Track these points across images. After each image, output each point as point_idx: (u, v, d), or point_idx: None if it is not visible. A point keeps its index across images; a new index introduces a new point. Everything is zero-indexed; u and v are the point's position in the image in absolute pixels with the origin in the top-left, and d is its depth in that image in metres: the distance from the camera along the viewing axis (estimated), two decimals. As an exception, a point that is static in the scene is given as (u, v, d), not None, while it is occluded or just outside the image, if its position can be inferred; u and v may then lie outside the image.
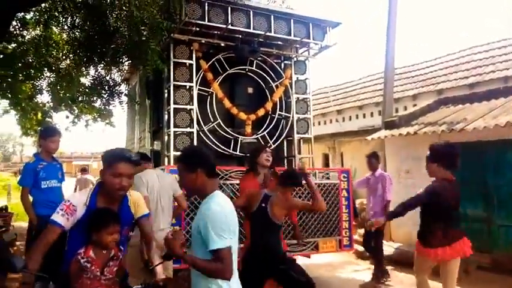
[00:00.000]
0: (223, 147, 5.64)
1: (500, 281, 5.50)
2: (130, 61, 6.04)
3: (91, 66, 6.84)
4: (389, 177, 5.71)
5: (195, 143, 5.38)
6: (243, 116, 5.81)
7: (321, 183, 5.36)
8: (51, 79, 7.84)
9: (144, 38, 4.97)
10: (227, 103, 5.75)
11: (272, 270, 3.34)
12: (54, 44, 7.40)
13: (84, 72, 7.59)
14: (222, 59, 5.84)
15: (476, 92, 9.10)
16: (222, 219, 2.02)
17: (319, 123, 14.44)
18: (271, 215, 3.35)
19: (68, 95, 7.88)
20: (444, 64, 12.07)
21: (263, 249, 3.34)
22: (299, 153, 6.30)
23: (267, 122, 6.03)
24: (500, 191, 6.55)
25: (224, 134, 5.73)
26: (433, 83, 11.23)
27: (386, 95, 9.55)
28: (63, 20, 6.25)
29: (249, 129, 5.84)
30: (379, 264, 5.49)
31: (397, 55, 9.66)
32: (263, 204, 3.39)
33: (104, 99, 7.15)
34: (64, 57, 7.52)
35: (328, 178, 5.77)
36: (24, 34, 7.32)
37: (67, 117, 9.32)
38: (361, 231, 7.51)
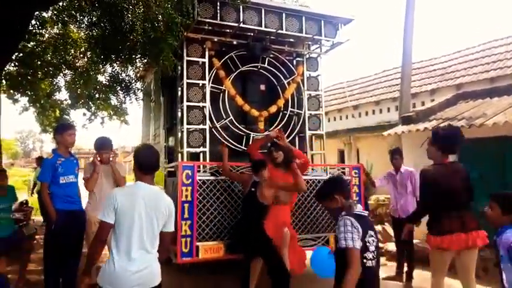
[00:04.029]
0: (235, 144, 5.69)
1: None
2: (145, 59, 6.13)
3: (108, 64, 6.97)
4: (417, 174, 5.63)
5: (208, 139, 5.45)
6: (255, 112, 5.84)
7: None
8: (69, 77, 8.03)
9: (160, 35, 5.03)
10: (239, 100, 5.79)
11: (256, 247, 4.19)
12: (72, 42, 7.58)
13: (101, 70, 7.73)
14: (234, 56, 5.87)
15: (497, 86, 8.88)
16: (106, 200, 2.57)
17: (334, 119, 14.35)
18: (260, 197, 4.18)
19: (85, 92, 8.06)
20: (464, 58, 11.78)
21: (250, 226, 4.20)
22: (311, 149, 6.29)
23: (279, 119, 6.04)
24: (519, 188, 6.41)
25: (236, 130, 5.78)
26: (452, 78, 10.99)
27: (403, 90, 9.43)
28: (81, 18, 6.40)
29: (261, 125, 5.88)
30: (411, 262, 5.42)
31: (414, 49, 9.52)
32: (253, 189, 4.26)
33: (120, 97, 7.29)
34: (82, 55, 7.70)
35: (344, 174, 5.75)
36: (43, 33, 7.50)
37: (84, 114, 9.54)
38: (378, 228, 7.48)
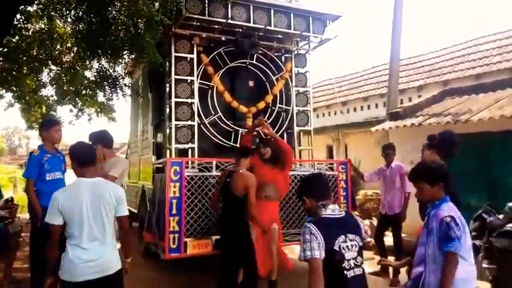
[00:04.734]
0: (224, 140, 5.70)
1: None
2: (130, 54, 6.08)
3: (94, 60, 6.89)
4: (407, 168, 5.65)
5: (196, 135, 5.44)
6: (243, 109, 5.85)
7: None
8: (55, 72, 7.92)
9: (140, 31, 5.00)
10: (228, 96, 5.79)
11: (234, 238, 4.08)
12: (58, 37, 7.46)
13: (88, 66, 7.64)
14: (222, 52, 5.86)
15: (482, 82, 9.03)
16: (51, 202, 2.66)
17: (323, 115, 14.42)
18: (233, 188, 4.02)
19: (71, 88, 7.96)
20: (450, 55, 11.93)
21: (231, 217, 4.08)
22: (299, 145, 6.33)
23: (267, 115, 6.06)
24: (505, 182, 6.53)
25: (225, 126, 5.79)
26: (439, 74, 11.12)
27: (391, 86, 9.52)
28: (67, 12, 6.30)
29: (249, 122, 5.87)
30: (400, 256, 5.31)
31: (402, 46, 9.61)
32: (228, 179, 4.11)
33: (107, 93, 7.22)
34: (68, 50, 7.59)
35: (332, 169, 5.79)
36: (28, 27, 7.37)
37: (71, 110, 9.42)
38: (365, 222, 7.55)
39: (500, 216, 4.16)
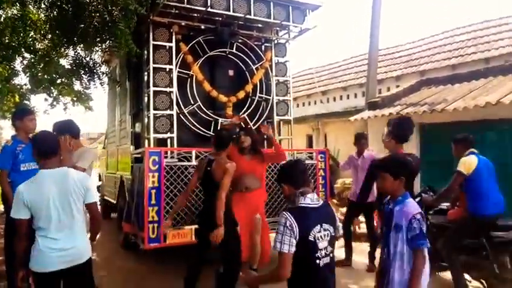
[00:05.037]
0: (203, 130, 5.68)
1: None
2: (103, 42, 5.95)
3: (70, 47, 6.71)
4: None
5: (175, 125, 5.40)
6: (223, 98, 5.82)
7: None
8: (29, 60, 7.68)
9: (115, 19, 4.89)
10: (207, 86, 5.75)
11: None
12: (31, 24, 7.20)
13: (63, 53, 7.42)
14: (202, 41, 5.81)
15: (457, 73, 9.25)
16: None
17: (303, 105, 14.50)
18: (215, 176, 3.79)
19: (46, 76, 7.74)
20: (428, 45, 12.16)
21: (210, 207, 3.80)
22: (279, 134, 6.37)
23: (247, 104, 6.06)
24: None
25: (204, 116, 5.76)
26: (416, 64, 11.33)
27: (370, 76, 9.64)
28: (41, -2, 6.09)
29: (229, 111, 5.87)
30: (375, 245, 5.38)
31: (381, 36, 9.70)
32: (208, 168, 3.89)
33: (83, 81, 7.06)
34: (42, 37, 7.35)
35: (311, 158, 5.85)
36: (0, 13, 7.10)
37: (45, 99, 9.18)
38: (343, 210, 7.67)
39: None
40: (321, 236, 2.19)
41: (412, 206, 2.43)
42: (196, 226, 4.56)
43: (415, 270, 2.34)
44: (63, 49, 6.84)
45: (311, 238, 2.16)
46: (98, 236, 3.08)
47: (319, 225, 2.20)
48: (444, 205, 4.72)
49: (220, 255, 3.97)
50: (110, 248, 6.54)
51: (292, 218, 2.15)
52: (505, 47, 9.43)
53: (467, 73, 8.61)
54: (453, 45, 11.16)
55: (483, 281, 4.18)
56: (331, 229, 2.27)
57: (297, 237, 2.12)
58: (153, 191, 4.54)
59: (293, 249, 2.11)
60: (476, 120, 6.71)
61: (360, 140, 5.70)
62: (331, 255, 2.26)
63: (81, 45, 6.26)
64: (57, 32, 5.91)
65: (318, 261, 2.18)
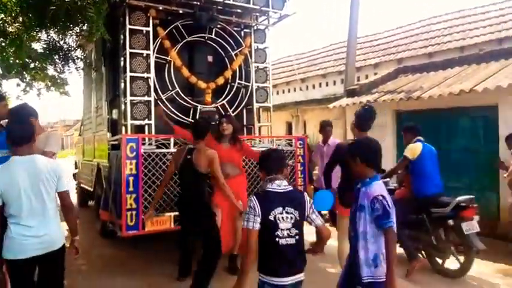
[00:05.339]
0: (182, 116, 5.62)
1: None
2: (76, 26, 5.76)
3: (42, 31, 6.48)
4: None
5: (153, 112, 5.32)
6: (202, 84, 5.76)
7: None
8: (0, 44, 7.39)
9: (85, 2, 4.73)
10: (185, 72, 5.67)
11: (197, 218, 3.97)
12: (1, 6, 6.91)
13: (36, 37, 7.17)
14: (180, 26, 5.70)
15: (433, 61, 9.40)
16: None
17: (283, 92, 14.52)
18: (196, 165, 3.88)
19: (18, 61, 7.46)
20: (405, 33, 12.31)
21: (192, 195, 3.97)
22: (258, 121, 6.36)
23: (227, 91, 6.02)
24: (450, 156, 6.94)
25: (183, 102, 5.69)
26: (394, 52, 11.47)
27: (348, 63, 9.69)
28: (10, -22, 5.84)
29: (208, 97, 5.82)
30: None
31: (360, 24, 9.75)
32: (188, 156, 3.95)
33: (58, 66, 6.85)
34: (13, 20, 7.07)
35: (290, 145, 5.87)
36: (-33, -6, 6.78)
37: (18, 85, 8.84)
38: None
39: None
40: (282, 218, 2.42)
41: (376, 188, 2.48)
42: (176, 213, 4.58)
43: (388, 249, 2.37)
44: (35, 32, 6.60)
45: (271, 218, 2.40)
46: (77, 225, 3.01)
47: (281, 208, 2.43)
48: (392, 185, 5.32)
49: (201, 243, 4.02)
50: (88, 236, 6.46)
51: (256, 200, 2.44)
52: (479, 36, 9.64)
53: (443, 61, 8.76)
54: (430, 33, 11.33)
55: (423, 252, 4.81)
56: (296, 213, 2.45)
57: (260, 216, 2.40)
58: (131, 179, 4.48)
59: (256, 226, 2.41)
60: (451, 108, 6.88)
61: (325, 128, 5.80)
62: (297, 237, 2.44)
63: (54, 29, 6.05)
64: (28, 14, 5.69)
65: (277, 239, 2.40)
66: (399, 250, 4.64)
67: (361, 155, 2.59)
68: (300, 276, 2.46)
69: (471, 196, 4.64)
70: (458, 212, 4.49)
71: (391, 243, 2.38)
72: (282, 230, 2.40)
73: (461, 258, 4.54)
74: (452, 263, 4.64)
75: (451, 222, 4.55)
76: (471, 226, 4.44)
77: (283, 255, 2.41)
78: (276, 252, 2.41)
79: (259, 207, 2.42)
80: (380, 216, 2.40)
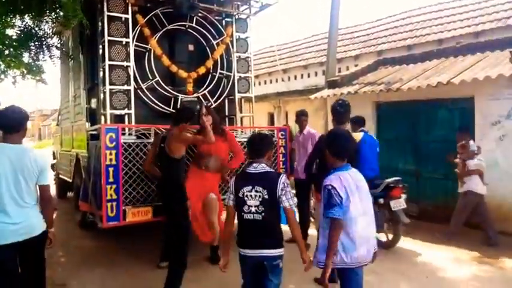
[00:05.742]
0: (162, 106, 5.55)
1: (426, 227, 6.23)
2: (52, 12, 5.59)
3: (16, 16, 6.26)
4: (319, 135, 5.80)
5: (133, 101, 5.24)
6: (183, 73, 5.68)
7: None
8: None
9: None
10: (166, 60, 5.58)
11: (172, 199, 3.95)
12: (-28, -10, 6.64)
13: (10, 23, 6.92)
14: (160, 14, 5.60)
15: (412, 53, 9.53)
16: None
17: (265, 82, 14.49)
18: (168, 151, 3.93)
19: (-10, 48, 7.20)
20: (385, 26, 12.39)
21: (166, 180, 4.03)
22: (240, 112, 6.33)
23: (208, 81, 5.96)
24: (429, 147, 7.10)
25: (164, 92, 5.61)
26: (374, 44, 11.56)
27: (329, 55, 9.72)
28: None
29: (189, 87, 5.75)
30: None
31: (341, 16, 9.77)
32: (162, 145, 4.04)
33: (32, 53, 6.64)
34: (-15, 5, 6.80)
35: (272, 136, 5.86)
36: None
37: (-8, 73, 8.54)
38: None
39: None
40: (250, 195, 2.64)
41: (328, 178, 2.58)
42: (157, 203, 4.54)
43: (329, 238, 2.49)
44: (9, 18, 6.38)
45: (240, 195, 2.67)
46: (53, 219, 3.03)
47: (250, 186, 2.65)
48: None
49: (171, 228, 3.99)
50: (67, 227, 6.36)
51: (233, 180, 2.80)
52: (457, 29, 9.80)
53: (422, 54, 8.89)
54: (409, 26, 11.45)
55: None
56: (265, 192, 2.63)
57: (233, 194, 2.72)
58: (111, 169, 4.41)
59: (230, 202, 2.75)
60: (429, 99, 7.01)
61: (300, 117, 5.80)
62: (263, 214, 2.62)
63: (29, 15, 5.85)
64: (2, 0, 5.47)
65: (244, 214, 2.66)
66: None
67: (329, 147, 2.74)
68: (264, 252, 2.62)
69: (398, 178, 5.36)
70: (388, 191, 5.18)
71: (331, 231, 2.48)
72: (249, 206, 2.64)
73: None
74: (383, 236, 5.31)
75: (381, 200, 5.14)
76: (398, 203, 5.15)
77: (249, 229, 2.67)
78: (242, 226, 2.70)
79: (233, 186, 2.73)
80: (325, 206, 2.53)
